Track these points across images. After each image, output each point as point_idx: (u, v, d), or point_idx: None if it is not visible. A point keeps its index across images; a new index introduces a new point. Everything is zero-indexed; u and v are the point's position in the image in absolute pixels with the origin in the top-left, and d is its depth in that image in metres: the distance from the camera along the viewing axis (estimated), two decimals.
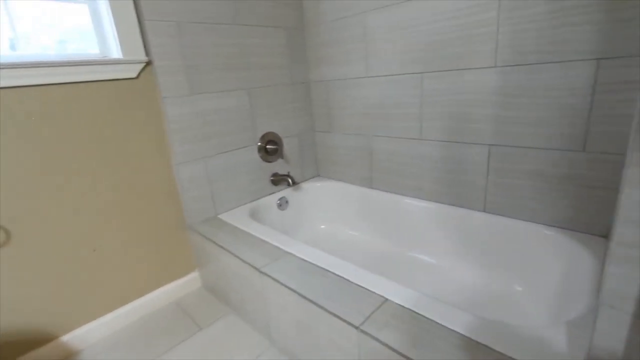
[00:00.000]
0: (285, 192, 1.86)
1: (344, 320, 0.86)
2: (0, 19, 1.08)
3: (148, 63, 1.32)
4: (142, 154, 1.37)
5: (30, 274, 1.17)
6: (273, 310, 1.14)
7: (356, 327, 0.83)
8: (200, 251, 1.51)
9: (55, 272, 1.22)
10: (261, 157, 1.74)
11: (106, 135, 1.27)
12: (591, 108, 1.05)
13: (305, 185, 1.93)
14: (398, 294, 0.92)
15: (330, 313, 0.89)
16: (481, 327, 0.78)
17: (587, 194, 1.12)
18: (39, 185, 1.15)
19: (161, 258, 1.49)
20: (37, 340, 1.21)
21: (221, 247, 1.32)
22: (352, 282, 1.00)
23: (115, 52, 1.27)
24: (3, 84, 1.04)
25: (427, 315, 0.83)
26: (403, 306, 0.87)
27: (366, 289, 0.96)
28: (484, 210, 1.37)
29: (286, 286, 1.02)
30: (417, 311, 0.85)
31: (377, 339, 0.79)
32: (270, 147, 1.75)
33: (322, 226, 1.93)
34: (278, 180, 1.82)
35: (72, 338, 1.27)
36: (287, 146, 1.86)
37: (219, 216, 1.59)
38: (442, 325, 0.80)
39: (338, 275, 1.04)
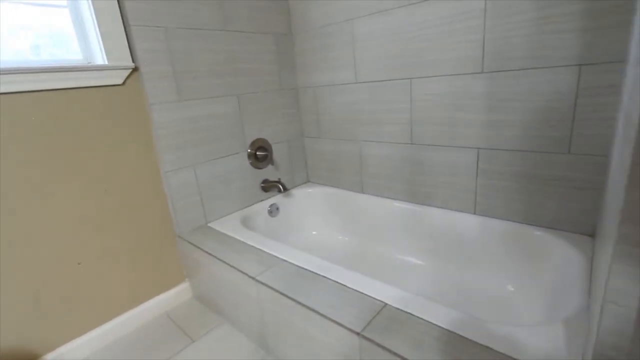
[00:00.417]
0: (276, 198, 1.85)
1: (345, 327, 0.85)
2: None
3: (134, 69, 1.29)
4: (129, 162, 1.33)
5: (11, 290, 1.11)
6: (269, 318, 1.12)
7: (358, 334, 0.82)
8: (190, 261, 1.48)
9: (38, 288, 1.16)
10: (251, 163, 1.72)
11: (91, 143, 1.23)
12: (575, 112, 1.09)
13: (295, 191, 1.92)
14: (397, 298, 0.92)
15: (331, 320, 0.88)
16: (482, 329, 0.79)
17: (573, 195, 1.16)
18: (20, 197, 1.10)
19: (150, 269, 1.44)
20: None
21: (213, 256, 1.29)
22: (350, 288, 0.99)
23: (100, 58, 1.24)
24: None
25: (427, 319, 0.84)
26: (403, 310, 0.87)
27: (365, 294, 0.96)
28: (474, 213, 1.40)
29: (283, 294, 1.01)
30: (418, 315, 0.85)
31: (379, 345, 0.78)
32: (260, 154, 1.74)
33: (314, 232, 1.92)
34: (268, 186, 1.80)
35: (58, 356, 1.21)
36: (277, 152, 1.85)
37: (210, 224, 1.56)
38: (444, 329, 0.81)
39: (335, 281, 1.03)
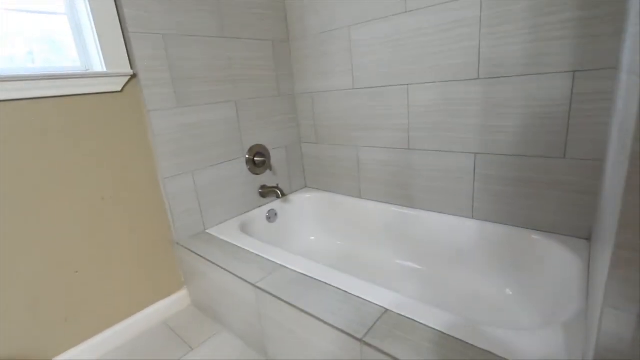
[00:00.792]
0: (274, 204, 1.85)
1: (347, 333, 0.85)
2: None
3: (133, 76, 1.30)
4: (127, 169, 1.33)
5: (9, 298, 1.10)
6: (269, 325, 1.12)
7: (359, 340, 0.83)
8: (189, 268, 1.47)
9: (36, 296, 1.15)
10: (249, 169, 1.73)
11: (89, 150, 1.23)
12: (569, 117, 1.11)
13: (293, 197, 1.93)
14: (398, 303, 0.92)
15: (332, 326, 0.88)
16: (482, 333, 0.79)
17: (569, 199, 1.17)
18: (17, 205, 1.09)
19: (148, 276, 1.43)
20: None
21: (212, 263, 1.28)
22: (350, 294, 1.00)
23: (99, 65, 1.24)
24: None
25: (428, 324, 0.84)
26: (404, 316, 0.88)
27: (365, 299, 0.96)
28: (472, 217, 1.41)
29: (284, 300, 1.01)
30: (419, 320, 0.85)
31: (381, 351, 0.78)
32: (258, 160, 1.74)
33: (312, 237, 1.92)
34: (267, 192, 1.81)
35: None
36: (275, 158, 1.86)
37: (208, 231, 1.56)
38: (445, 334, 0.81)
39: (335, 287, 1.03)
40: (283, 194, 1.76)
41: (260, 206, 1.81)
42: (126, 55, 1.27)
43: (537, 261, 1.22)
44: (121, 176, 1.31)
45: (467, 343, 0.78)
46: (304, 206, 1.94)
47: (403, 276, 1.52)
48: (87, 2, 1.17)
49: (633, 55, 0.61)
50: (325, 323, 0.90)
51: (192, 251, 1.39)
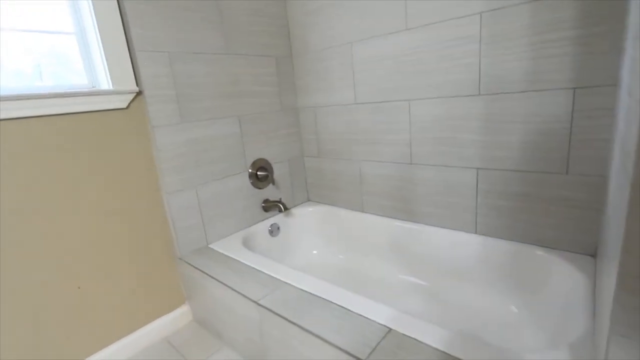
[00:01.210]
0: (277, 218, 1.85)
1: (350, 354, 0.84)
2: None
3: (139, 93, 1.32)
4: (130, 184, 1.34)
5: (11, 314, 1.09)
6: (271, 343, 1.11)
7: None
8: (191, 283, 1.46)
9: (37, 312, 1.14)
10: (252, 183, 1.73)
11: (93, 166, 1.24)
12: (571, 133, 1.11)
13: (296, 211, 1.93)
14: (402, 322, 0.91)
15: (335, 346, 0.87)
16: (489, 354, 0.78)
17: (573, 215, 1.17)
18: (21, 220, 1.10)
19: (150, 292, 1.43)
20: None
21: (214, 278, 1.28)
22: (353, 312, 0.99)
23: (105, 83, 1.26)
24: None
25: (433, 345, 0.83)
26: (408, 336, 0.87)
27: (369, 318, 0.95)
28: (475, 232, 1.40)
29: (286, 318, 1.00)
30: (423, 340, 0.84)
31: None
32: (261, 174, 1.75)
33: (314, 251, 1.91)
34: (269, 206, 1.81)
35: None
36: (278, 172, 1.86)
37: (210, 245, 1.56)
38: (450, 355, 0.80)
39: (339, 305, 1.02)
40: (285, 208, 1.76)
41: (262, 220, 1.81)
42: (132, 72, 1.29)
43: (542, 278, 1.21)
44: (125, 191, 1.32)
45: None
46: (306, 220, 1.93)
47: (406, 291, 1.50)
48: (95, 22, 1.20)
49: (632, 78, 0.62)
50: (329, 343, 0.89)
51: (194, 266, 1.39)
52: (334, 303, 1.04)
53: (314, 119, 1.87)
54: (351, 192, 1.82)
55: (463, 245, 1.42)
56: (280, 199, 1.86)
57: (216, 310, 1.35)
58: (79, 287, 1.24)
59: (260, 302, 1.09)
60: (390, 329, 0.90)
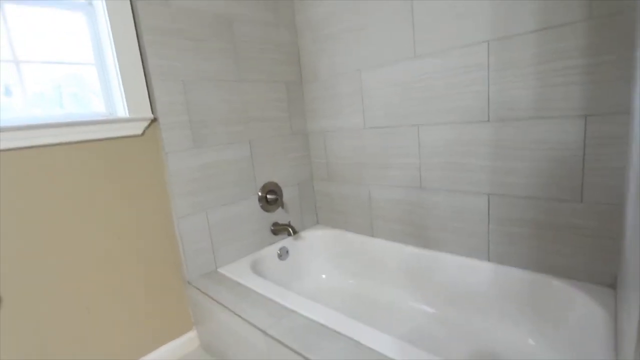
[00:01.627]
0: (286, 241, 1.84)
1: None
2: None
3: (153, 120, 1.36)
4: (142, 207, 1.36)
5: (18, 338, 1.10)
6: None
7: None
8: (199, 308, 1.45)
9: (46, 336, 1.15)
10: (262, 207, 1.74)
11: (106, 190, 1.27)
12: (584, 160, 1.10)
13: (305, 234, 1.92)
14: (412, 356, 0.88)
15: None
16: None
17: (590, 244, 1.13)
18: (32, 244, 1.12)
19: (158, 317, 1.42)
20: None
21: (222, 304, 1.27)
22: (363, 345, 0.96)
23: (122, 111, 1.31)
24: (13, 144, 1.05)
25: None
26: None
27: (380, 352, 0.92)
28: (488, 260, 1.37)
29: (294, 350, 0.98)
30: None
31: None
32: (271, 197, 1.76)
33: (323, 275, 1.89)
34: (278, 230, 1.80)
35: None
36: (287, 195, 1.87)
37: (219, 270, 1.55)
38: None
39: (348, 337, 1.00)
40: (295, 232, 1.75)
41: (271, 244, 1.80)
42: (148, 100, 1.34)
43: (560, 310, 1.16)
44: (136, 215, 1.34)
45: None
46: (315, 244, 1.92)
47: (417, 319, 1.46)
48: (115, 54, 1.26)
49: None
50: None
51: (202, 292, 1.38)
52: (344, 335, 1.01)
53: (324, 143, 1.88)
54: (361, 216, 1.81)
55: (475, 273, 1.38)
56: (290, 222, 1.85)
57: (223, 337, 1.33)
58: (88, 311, 1.24)
59: (268, 331, 1.07)
60: None
